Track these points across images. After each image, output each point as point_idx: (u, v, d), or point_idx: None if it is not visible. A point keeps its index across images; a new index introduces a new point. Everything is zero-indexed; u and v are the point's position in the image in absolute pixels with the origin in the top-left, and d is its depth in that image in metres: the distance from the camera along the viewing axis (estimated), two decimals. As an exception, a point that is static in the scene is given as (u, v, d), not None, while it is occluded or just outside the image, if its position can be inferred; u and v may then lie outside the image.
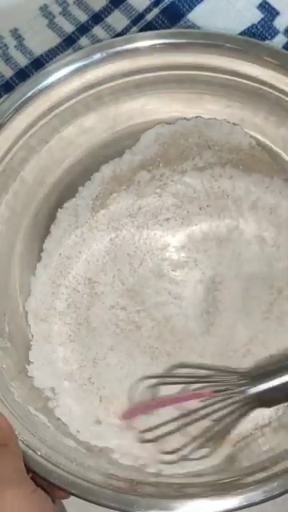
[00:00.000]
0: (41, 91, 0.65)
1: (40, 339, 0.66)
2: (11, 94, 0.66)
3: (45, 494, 0.56)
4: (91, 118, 0.69)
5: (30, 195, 0.69)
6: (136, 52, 0.66)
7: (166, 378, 0.66)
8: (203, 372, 0.66)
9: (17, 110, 0.65)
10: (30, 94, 0.65)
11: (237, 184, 0.69)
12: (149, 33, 0.68)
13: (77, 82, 0.67)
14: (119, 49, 0.66)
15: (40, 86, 0.65)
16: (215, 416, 0.63)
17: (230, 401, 0.63)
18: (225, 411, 0.63)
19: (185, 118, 0.70)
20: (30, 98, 0.65)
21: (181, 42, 0.66)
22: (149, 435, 0.64)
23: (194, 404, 0.64)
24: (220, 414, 0.63)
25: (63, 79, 0.66)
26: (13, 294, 0.67)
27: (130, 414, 0.65)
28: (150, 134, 0.70)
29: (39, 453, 0.57)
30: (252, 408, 0.64)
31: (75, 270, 0.68)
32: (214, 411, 0.63)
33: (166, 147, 0.70)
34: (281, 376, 0.63)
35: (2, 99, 0.70)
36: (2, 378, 0.61)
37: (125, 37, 0.70)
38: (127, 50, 0.66)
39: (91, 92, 0.68)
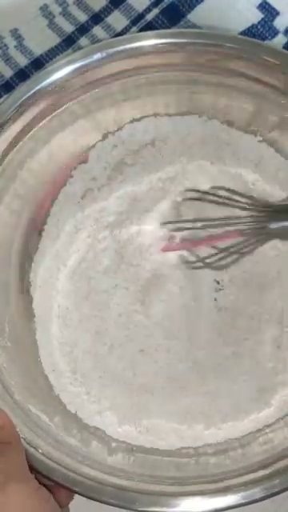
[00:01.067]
0: (41, 91, 0.65)
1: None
2: (11, 94, 0.66)
3: (48, 493, 0.57)
4: (91, 118, 0.69)
5: (30, 195, 0.69)
6: (136, 52, 0.66)
7: (192, 222, 0.70)
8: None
9: (17, 110, 0.64)
10: (30, 93, 0.65)
11: None
12: (149, 33, 0.68)
13: (77, 82, 0.66)
14: (119, 49, 0.66)
15: (40, 86, 0.65)
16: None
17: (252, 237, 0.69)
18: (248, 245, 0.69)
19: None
20: (30, 98, 0.65)
21: (181, 41, 0.66)
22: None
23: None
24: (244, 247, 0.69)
25: (63, 79, 0.65)
26: (13, 293, 0.67)
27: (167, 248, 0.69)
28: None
29: (40, 450, 0.58)
30: (269, 239, 0.69)
31: (70, 268, 0.69)
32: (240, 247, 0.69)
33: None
34: None
35: (2, 99, 0.70)
36: (2, 376, 0.62)
37: (125, 37, 0.70)
38: (127, 50, 0.66)
39: (91, 92, 0.67)
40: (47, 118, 0.66)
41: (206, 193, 0.70)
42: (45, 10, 0.74)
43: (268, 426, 0.65)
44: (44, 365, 0.67)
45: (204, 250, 0.69)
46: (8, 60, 0.73)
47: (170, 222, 0.69)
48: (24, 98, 0.64)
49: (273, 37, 0.71)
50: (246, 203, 0.69)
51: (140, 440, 0.65)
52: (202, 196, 0.70)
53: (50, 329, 0.68)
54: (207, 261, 0.69)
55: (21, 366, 0.64)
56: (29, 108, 0.65)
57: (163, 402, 0.66)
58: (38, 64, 0.73)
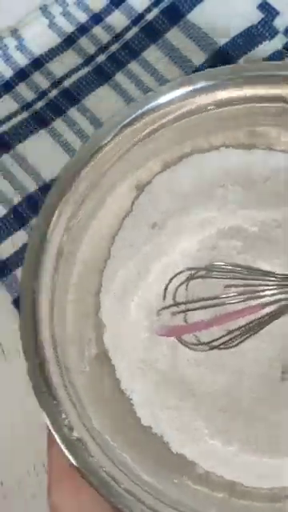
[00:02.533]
0: (144, 114, 0.60)
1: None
2: (112, 117, 0.61)
3: None
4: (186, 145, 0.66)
5: None
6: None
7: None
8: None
9: (116, 134, 0.60)
10: (130, 118, 0.60)
11: None
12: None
13: (177, 109, 0.61)
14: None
15: (142, 111, 0.60)
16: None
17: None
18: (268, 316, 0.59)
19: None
20: (130, 123, 0.60)
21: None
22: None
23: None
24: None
25: (164, 105, 0.61)
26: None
27: (166, 332, 0.60)
28: None
29: (122, 486, 0.55)
30: None
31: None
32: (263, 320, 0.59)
33: None
34: None
35: (2, 99, 0.72)
36: (80, 403, 0.58)
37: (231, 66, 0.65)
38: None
39: (187, 120, 0.62)
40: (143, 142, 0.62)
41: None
42: (45, 10, 0.74)
43: None
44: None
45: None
46: (8, 60, 0.73)
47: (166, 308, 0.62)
48: (124, 122, 0.60)
49: (273, 37, 0.72)
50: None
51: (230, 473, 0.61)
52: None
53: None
54: (214, 343, 0.60)
55: (99, 391, 0.61)
56: (126, 131, 0.60)
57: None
58: (38, 64, 0.73)
